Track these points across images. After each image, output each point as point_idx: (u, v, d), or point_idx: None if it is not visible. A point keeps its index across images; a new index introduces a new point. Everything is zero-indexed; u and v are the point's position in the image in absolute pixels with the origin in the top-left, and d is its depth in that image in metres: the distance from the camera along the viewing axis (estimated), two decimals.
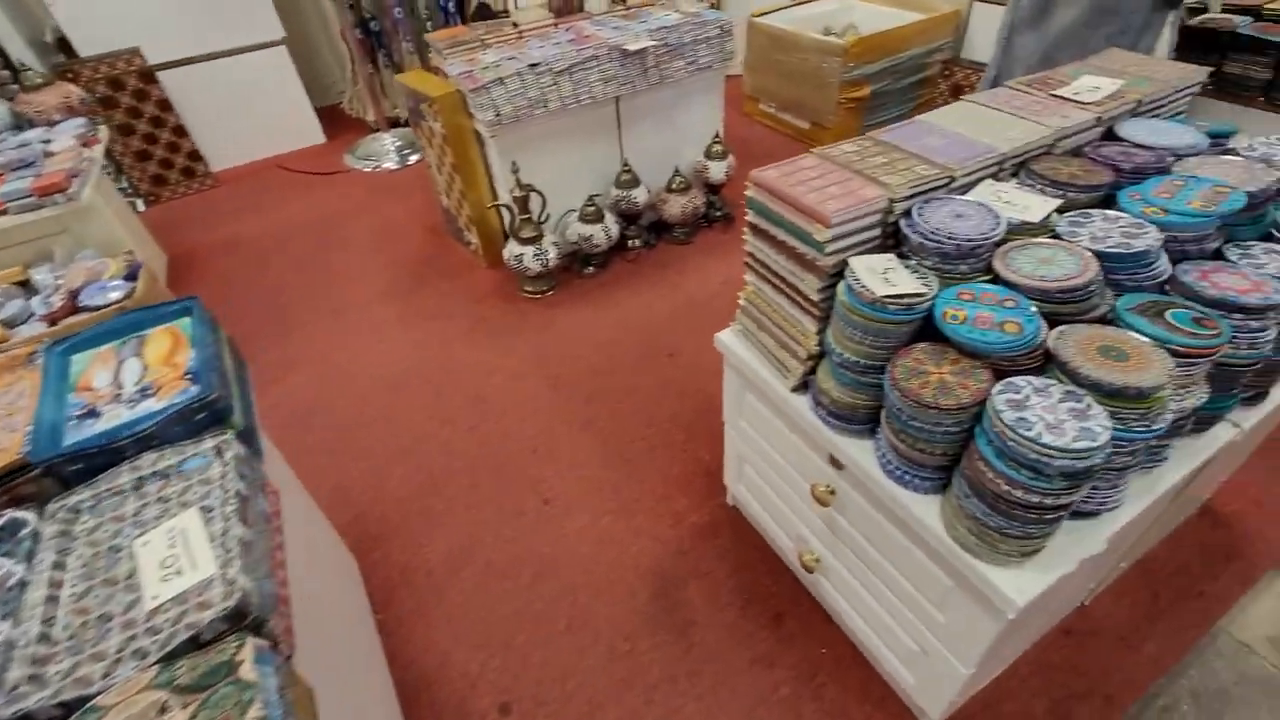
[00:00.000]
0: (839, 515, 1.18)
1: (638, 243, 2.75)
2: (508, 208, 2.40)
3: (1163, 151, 1.11)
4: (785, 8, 3.62)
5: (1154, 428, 0.79)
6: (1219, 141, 1.18)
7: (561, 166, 2.51)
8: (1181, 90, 1.27)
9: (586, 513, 1.76)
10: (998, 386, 0.83)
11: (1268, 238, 1.04)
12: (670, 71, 2.47)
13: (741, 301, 1.23)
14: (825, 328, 1.04)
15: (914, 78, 3.39)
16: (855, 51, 3.07)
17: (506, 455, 1.93)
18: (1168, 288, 0.96)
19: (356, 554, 1.68)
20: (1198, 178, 1.04)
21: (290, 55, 3.63)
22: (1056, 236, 0.99)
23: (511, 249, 2.44)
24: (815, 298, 1.02)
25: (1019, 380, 0.83)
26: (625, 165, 2.61)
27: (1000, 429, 0.78)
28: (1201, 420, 0.97)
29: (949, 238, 0.94)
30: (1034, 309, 0.88)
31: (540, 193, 2.40)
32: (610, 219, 2.58)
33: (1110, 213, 1.01)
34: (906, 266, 0.98)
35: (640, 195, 2.62)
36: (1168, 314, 0.88)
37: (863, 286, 0.93)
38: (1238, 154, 1.18)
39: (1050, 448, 0.74)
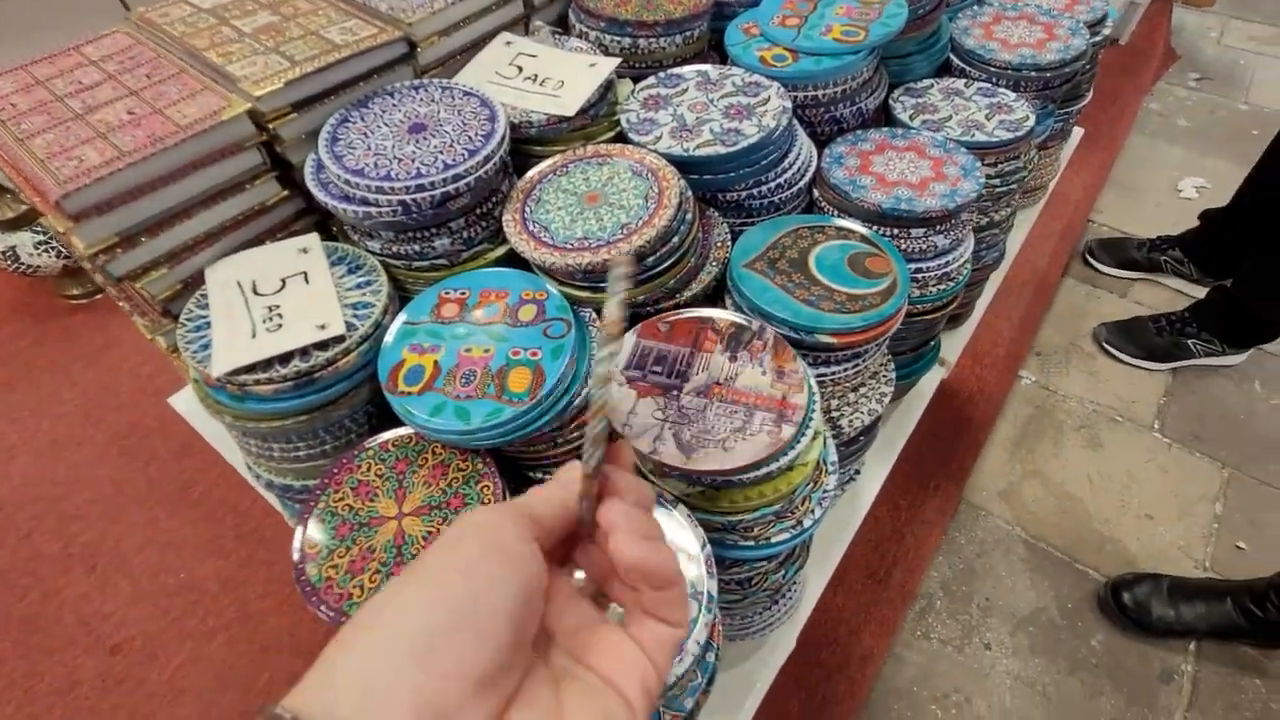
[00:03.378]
0: None
1: None
2: None
3: None
4: None
5: (806, 526, 0.40)
6: None
7: None
8: None
9: (183, 646, 1.16)
10: None
11: (944, 70, 0.67)
12: None
13: None
14: None
15: None
16: None
17: (40, 593, 1.21)
18: (816, 193, 0.55)
19: None
20: None
21: None
22: (623, 138, 0.52)
23: None
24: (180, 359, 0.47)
25: None
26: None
27: None
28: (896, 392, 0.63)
29: (384, 185, 0.42)
30: (568, 317, 0.42)
31: None
32: None
33: (712, 70, 0.56)
34: (342, 261, 0.46)
35: None
36: (812, 259, 0.48)
37: (192, 352, 0.39)
38: None
39: None
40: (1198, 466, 1.40)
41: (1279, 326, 1.42)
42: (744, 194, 0.50)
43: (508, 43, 0.54)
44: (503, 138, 0.45)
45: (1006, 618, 1.24)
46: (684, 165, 0.48)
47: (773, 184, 0.50)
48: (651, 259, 0.43)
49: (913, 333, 0.55)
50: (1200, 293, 1.56)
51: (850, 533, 0.57)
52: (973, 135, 0.57)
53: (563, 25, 0.60)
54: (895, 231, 0.51)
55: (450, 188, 0.42)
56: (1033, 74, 0.62)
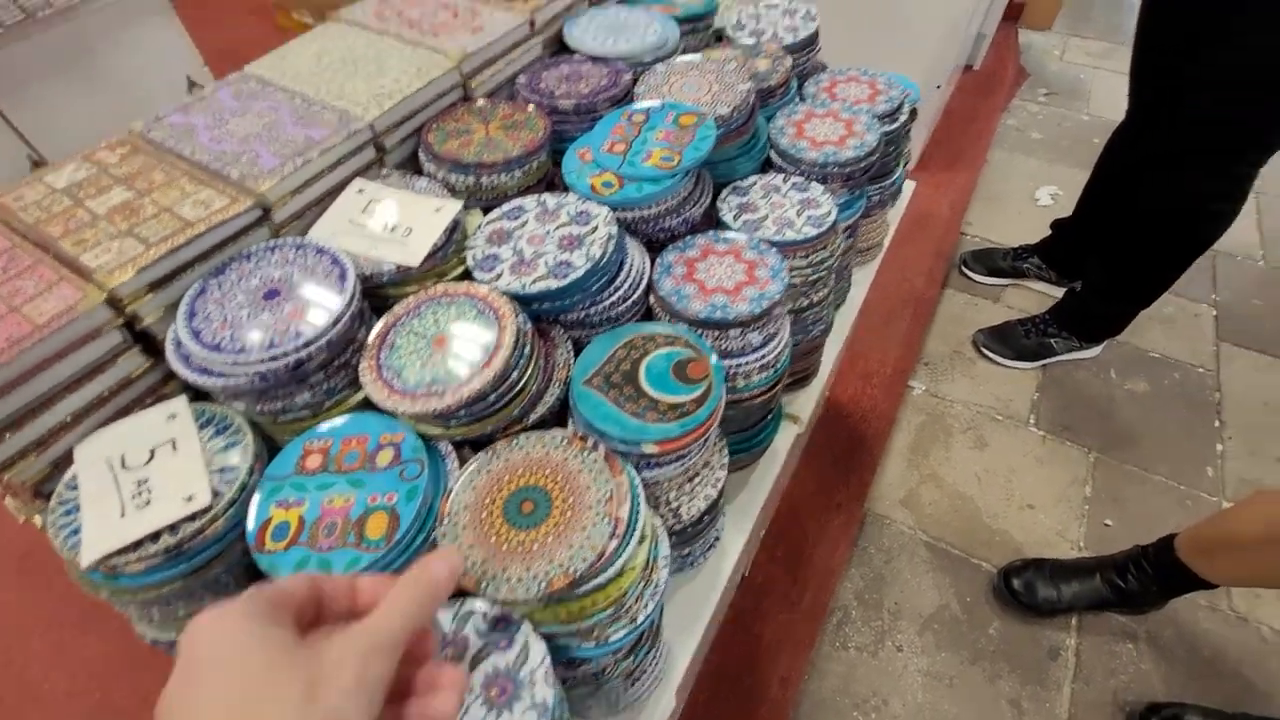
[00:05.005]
0: None
1: None
2: None
3: (620, 65, 0.75)
4: None
5: (639, 622, 0.46)
6: (698, 25, 0.87)
7: None
8: None
9: None
10: None
11: (767, 166, 0.77)
12: None
13: None
14: None
15: None
16: None
17: None
18: (652, 301, 0.63)
19: None
20: (659, 107, 0.70)
21: None
22: (469, 275, 0.58)
23: None
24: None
25: None
26: (35, 157, 1.66)
27: None
28: (741, 462, 0.71)
29: (239, 360, 0.47)
30: (421, 458, 0.48)
31: None
32: None
33: (550, 200, 0.63)
34: (210, 423, 0.50)
35: None
36: (642, 370, 0.55)
37: (64, 539, 0.43)
38: (729, 38, 0.88)
39: None
40: (1068, 454, 1.55)
41: (1124, 319, 1.60)
42: (582, 314, 0.57)
43: (360, 190, 0.60)
44: (352, 297, 0.50)
45: (914, 618, 1.34)
46: (522, 299, 0.54)
47: (606, 303, 0.57)
48: (493, 396, 0.49)
49: (749, 414, 0.63)
50: (1061, 294, 1.73)
51: (719, 590, 0.64)
52: (784, 234, 0.66)
53: (414, 164, 0.66)
54: (716, 333, 0.59)
55: (303, 353, 0.47)
56: (835, 169, 0.72)
